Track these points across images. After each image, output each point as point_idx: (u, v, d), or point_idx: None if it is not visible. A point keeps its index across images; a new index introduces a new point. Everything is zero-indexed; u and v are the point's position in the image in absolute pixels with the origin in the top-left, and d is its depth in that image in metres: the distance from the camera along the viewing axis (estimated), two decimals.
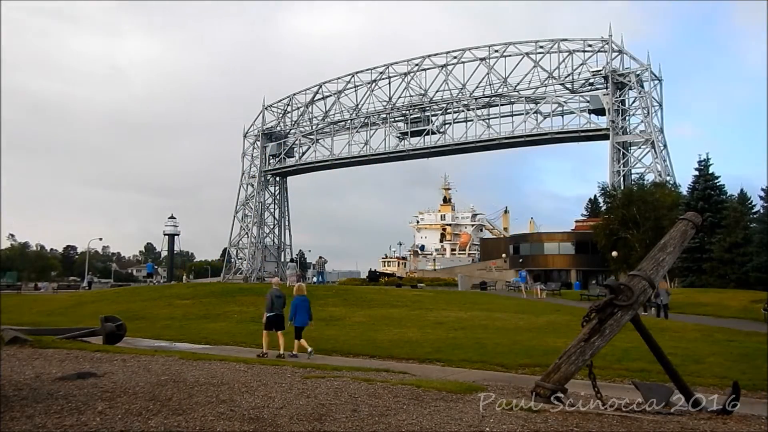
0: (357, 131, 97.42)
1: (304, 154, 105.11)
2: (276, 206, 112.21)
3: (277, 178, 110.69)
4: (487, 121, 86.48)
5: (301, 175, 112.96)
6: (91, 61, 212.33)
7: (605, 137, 74.78)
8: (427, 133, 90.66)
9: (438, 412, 5.47)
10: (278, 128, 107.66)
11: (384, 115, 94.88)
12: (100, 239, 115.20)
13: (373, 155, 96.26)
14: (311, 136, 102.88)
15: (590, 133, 76.53)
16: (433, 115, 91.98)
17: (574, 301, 31.85)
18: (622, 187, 63.09)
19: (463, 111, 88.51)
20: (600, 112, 77.30)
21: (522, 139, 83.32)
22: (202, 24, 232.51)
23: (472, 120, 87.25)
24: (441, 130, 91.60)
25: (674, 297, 28.42)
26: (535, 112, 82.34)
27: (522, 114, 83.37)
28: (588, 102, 77.33)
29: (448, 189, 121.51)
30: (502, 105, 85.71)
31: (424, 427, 4.94)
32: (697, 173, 48.05)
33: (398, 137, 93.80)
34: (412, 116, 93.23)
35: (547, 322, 20.29)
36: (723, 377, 10.13)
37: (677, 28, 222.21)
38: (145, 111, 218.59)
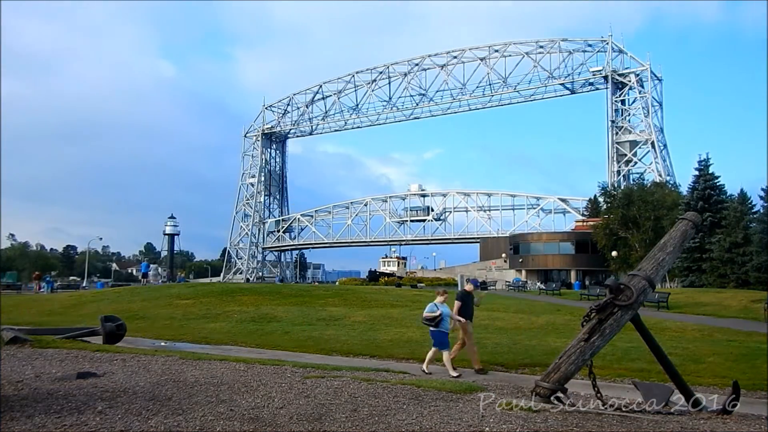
0: (357, 214, 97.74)
1: (302, 230, 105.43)
2: (277, 206, 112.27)
3: (276, 179, 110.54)
4: (488, 212, 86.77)
5: (300, 177, 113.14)
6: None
7: None
8: (427, 219, 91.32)
9: (438, 412, 5.47)
10: (278, 128, 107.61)
11: (384, 199, 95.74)
12: (100, 239, 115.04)
13: (371, 241, 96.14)
14: (309, 216, 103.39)
15: None
16: (432, 196, 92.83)
17: (574, 301, 31.83)
18: (622, 187, 63.06)
19: (463, 200, 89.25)
20: None
21: None
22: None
23: (471, 209, 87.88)
24: (441, 218, 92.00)
25: (674, 297, 28.44)
26: (539, 209, 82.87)
27: (523, 208, 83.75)
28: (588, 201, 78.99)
29: None
30: (503, 196, 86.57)
31: (424, 427, 4.93)
32: (697, 173, 48.01)
33: (397, 222, 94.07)
34: (412, 205, 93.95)
35: (547, 322, 20.29)
36: (723, 377, 10.13)
37: (678, 28, 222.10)
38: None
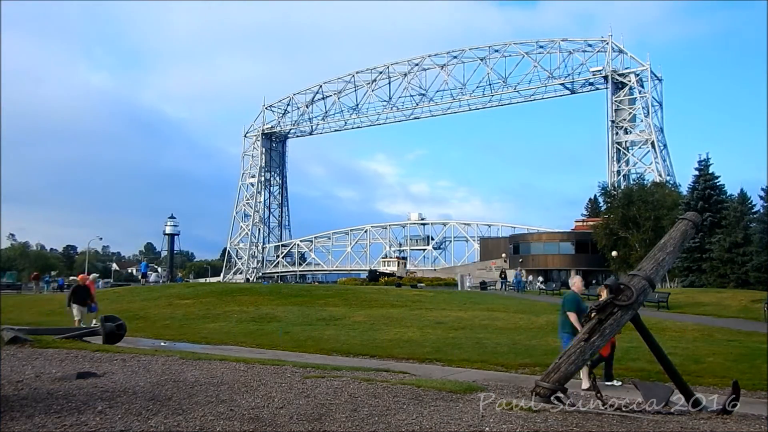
0: (357, 242, 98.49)
1: (302, 256, 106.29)
2: (277, 205, 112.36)
3: (277, 177, 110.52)
4: (487, 241, 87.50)
5: (301, 178, 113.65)
6: None
7: None
8: (427, 249, 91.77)
9: (438, 412, 5.47)
10: (278, 128, 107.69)
11: (384, 227, 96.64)
12: (100, 239, 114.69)
13: (370, 270, 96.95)
14: (309, 240, 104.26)
15: None
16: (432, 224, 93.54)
17: None
18: (622, 187, 63.02)
19: (463, 230, 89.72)
20: None
21: None
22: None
23: (471, 239, 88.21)
24: (441, 247, 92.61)
25: (674, 297, 28.44)
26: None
27: None
28: None
29: None
30: (503, 226, 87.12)
31: (424, 427, 4.93)
32: (697, 173, 48.01)
33: (397, 251, 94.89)
34: (411, 233, 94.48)
35: (547, 322, 20.27)
36: (723, 377, 10.14)
37: (678, 27, 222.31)
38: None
